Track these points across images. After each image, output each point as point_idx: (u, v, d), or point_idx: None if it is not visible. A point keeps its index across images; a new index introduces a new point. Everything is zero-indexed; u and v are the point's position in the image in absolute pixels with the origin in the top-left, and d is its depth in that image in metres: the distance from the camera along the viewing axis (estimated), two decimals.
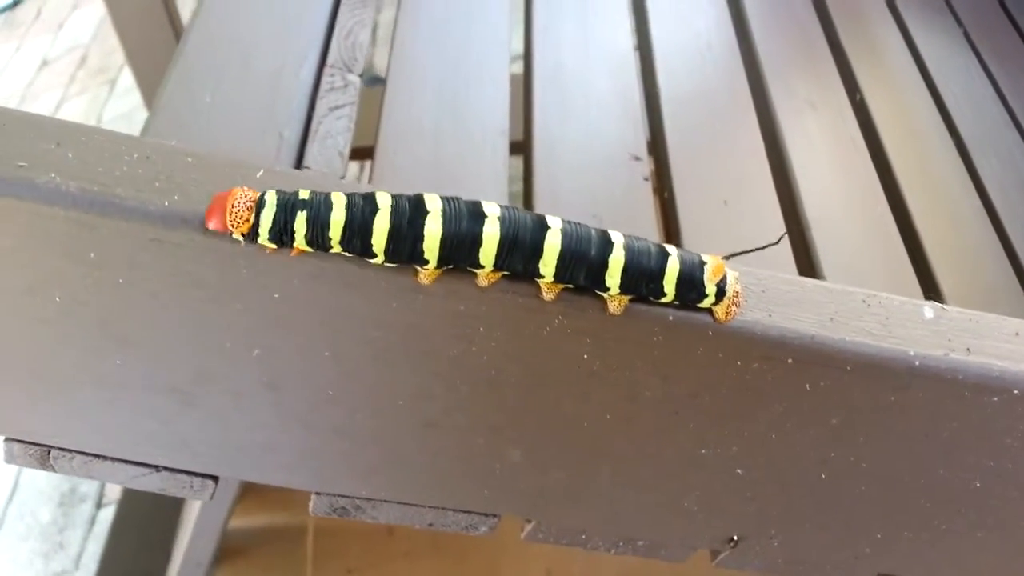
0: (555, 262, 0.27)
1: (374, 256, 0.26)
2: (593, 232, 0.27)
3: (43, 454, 0.35)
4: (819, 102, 0.62)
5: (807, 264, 0.51)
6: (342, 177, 0.46)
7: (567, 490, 0.36)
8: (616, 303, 0.28)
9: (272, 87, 0.49)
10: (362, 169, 1.35)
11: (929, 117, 0.66)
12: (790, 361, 0.29)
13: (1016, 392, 0.30)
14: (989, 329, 0.31)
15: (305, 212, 0.25)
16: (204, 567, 0.61)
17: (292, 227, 0.25)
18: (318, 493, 0.37)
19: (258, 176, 0.27)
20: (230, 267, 0.26)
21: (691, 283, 0.28)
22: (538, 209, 0.49)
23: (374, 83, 0.51)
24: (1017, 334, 0.31)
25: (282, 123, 0.47)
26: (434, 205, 0.26)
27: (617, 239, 0.28)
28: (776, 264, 0.49)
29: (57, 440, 0.34)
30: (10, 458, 0.36)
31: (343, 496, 0.37)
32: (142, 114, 1.63)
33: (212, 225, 0.25)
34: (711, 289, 0.28)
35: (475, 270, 0.27)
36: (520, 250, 0.26)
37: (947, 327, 0.30)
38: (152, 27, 0.96)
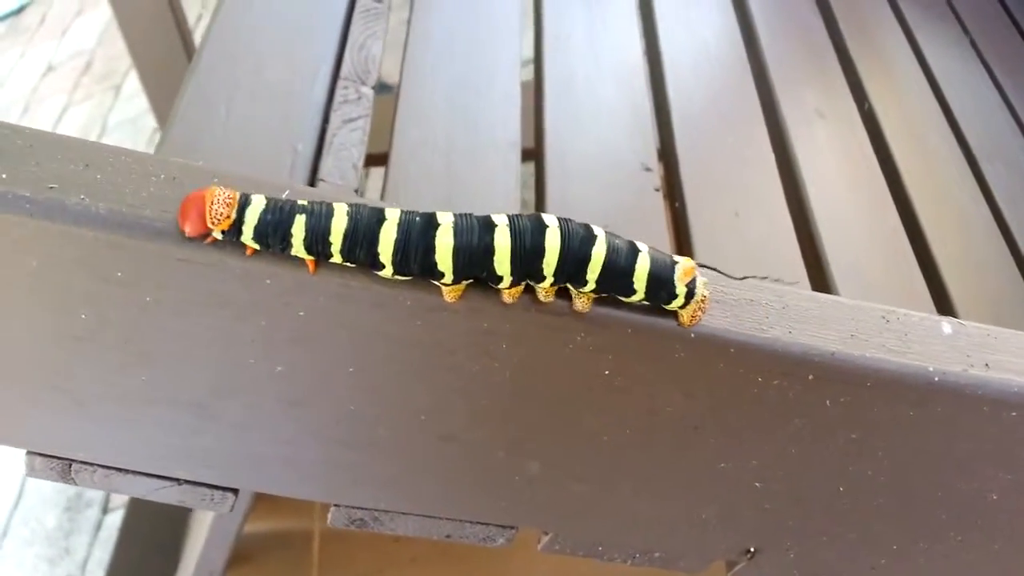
0: (556, 262, 0.26)
1: (381, 267, 0.26)
2: (580, 227, 0.27)
3: (64, 467, 0.35)
4: (828, 111, 0.63)
5: (818, 273, 0.51)
6: (356, 189, 0.46)
7: (585, 503, 0.36)
8: (584, 300, 0.28)
9: (285, 100, 0.49)
10: (367, 175, 1.36)
11: (937, 125, 0.67)
12: (811, 377, 0.29)
13: None
14: (1007, 344, 0.31)
15: (304, 217, 0.25)
16: (217, 575, 0.62)
17: (289, 231, 0.25)
18: (337, 505, 0.37)
19: (284, 196, 0.27)
20: (257, 286, 0.27)
21: (660, 282, 0.27)
22: None
23: (382, 90, 0.52)
24: None
25: (296, 136, 0.48)
26: (445, 219, 0.26)
27: (599, 233, 0.27)
28: (788, 274, 0.49)
29: (79, 453, 0.34)
30: (31, 471, 0.36)
31: (361, 508, 0.37)
32: (147, 120, 1.64)
33: (189, 230, 0.25)
34: (681, 290, 0.27)
35: (496, 286, 0.27)
36: (527, 256, 0.26)
37: (965, 343, 0.31)
38: (159, 32, 0.97)
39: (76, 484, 0.36)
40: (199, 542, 0.65)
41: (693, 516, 0.36)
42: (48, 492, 1.29)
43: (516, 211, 0.49)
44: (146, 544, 1.06)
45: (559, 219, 0.27)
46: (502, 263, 0.26)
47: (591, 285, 0.27)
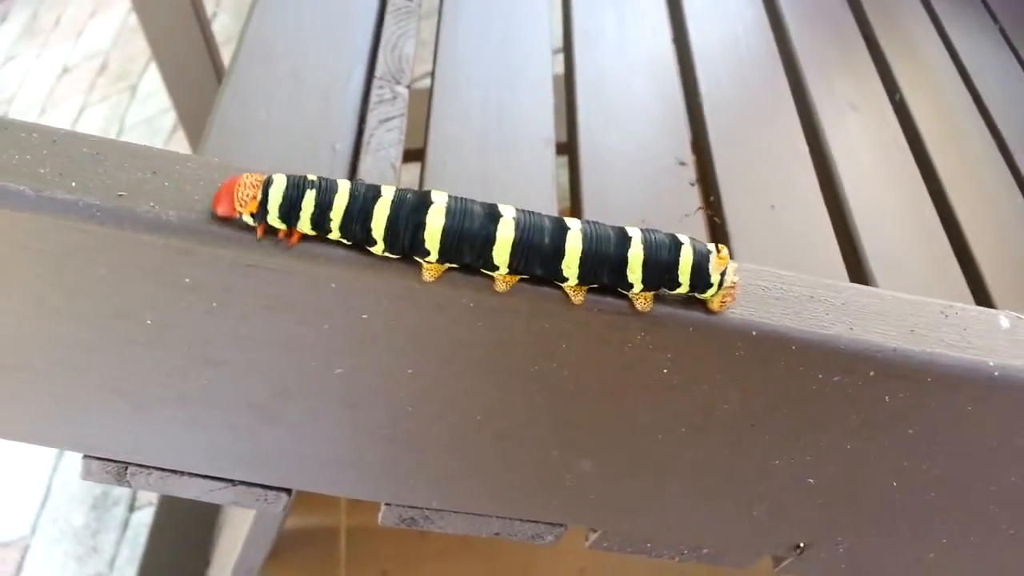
0: (577, 264, 0.26)
1: (374, 243, 0.26)
2: (611, 230, 0.27)
3: (120, 470, 0.36)
4: (860, 103, 0.62)
5: (856, 266, 0.51)
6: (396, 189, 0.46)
7: (636, 500, 0.36)
8: (643, 300, 0.28)
9: (322, 101, 0.49)
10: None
11: (969, 116, 0.66)
12: (871, 373, 0.29)
13: None
14: None
15: (313, 192, 0.26)
16: (255, 573, 0.62)
17: (299, 205, 0.25)
18: (388, 504, 0.38)
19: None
20: (323, 290, 0.27)
21: (701, 272, 0.27)
22: (587, 215, 0.50)
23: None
24: None
25: (334, 136, 0.48)
26: (440, 199, 0.26)
27: (634, 234, 0.27)
28: (826, 266, 0.49)
29: (135, 457, 0.35)
30: (87, 474, 0.36)
31: (413, 507, 0.38)
32: (164, 119, 1.64)
33: (220, 211, 0.25)
34: (716, 278, 0.27)
35: (490, 272, 0.27)
36: (539, 253, 0.26)
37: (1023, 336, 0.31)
38: (180, 29, 0.97)
39: (130, 486, 0.37)
40: (236, 540, 0.65)
41: (744, 512, 0.36)
42: (75, 490, 1.30)
43: (553, 208, 0.49)
44: (177, 541, 1.07)
45: (581, 221, 0.27)
46: (501, 253, 0.26)
47: (637, 287, 0.27)
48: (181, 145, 1.58)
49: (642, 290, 0.27)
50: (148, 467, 0.35)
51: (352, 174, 0.47)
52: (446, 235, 0.26)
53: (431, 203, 0.26)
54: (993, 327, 0.31)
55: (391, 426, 0.33)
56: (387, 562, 1.03)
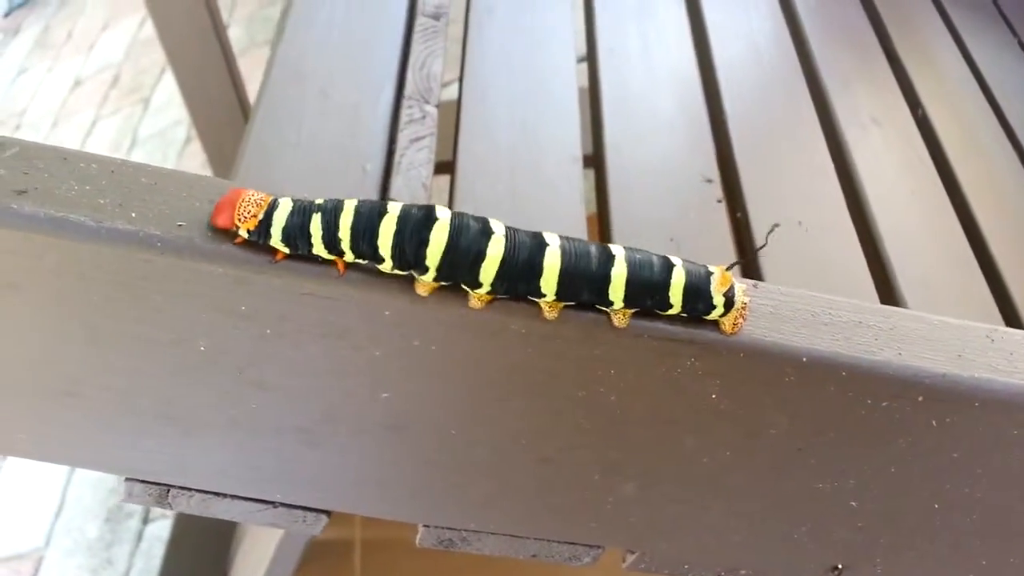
0: (555, 281, 0.26)
1: (382, 261, 0.26)
2: (593, 247, 0.27)
3: (162, 493, 0.36)
4: (882, 118, 0.62)
5: (884, 282, 0.51)
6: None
7: (676, 522, 0.36)
8: (620, 317, 0.28)
9: (352, 121, 0.50)
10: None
11: (990, 129, 0.66)
12: (920, 399, 0.29)
13: None
14: None
15: (320, 215, 0.25)
16: None
17: (309, 230, 0.25)
18: (426, 526, 0.38)
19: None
20: (377, 317, 0.27)
21: (697, 294, 0.27)
22: (615, 233, 0.50)
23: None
24: None
25: (364, 156, 0.48)
26: (443, 215, 0.26)
27: (618, 252, 0.27)
28: (854, 283, 0.49)
29: (178, 479, 0.35)
30: (129, 497, 0.36)
31: (451, 529, 0.38)
32: (176, 132, 1.65)
33: (219, 222, 0.25)
34: (719, 300, 0.27)
35: (471, 290, 0.27)
36: (519, 270, 0.26)
37: None
38: (197, 39, 0.97)
39: (171, 508, 0.37)
40: (259, 557, 0.65)
41: (785, 534, 0.36)
42: (89, 502, 1.31)
43: (582, 226, 0.49)
44: (194, 556, 1.07)
45: (560, 237, 0.27)
46: (487, 274, 0.26)
47: (618, 303, 0.27)
48: (195, 157, 1.59)
49: (623, 307, 0.27)
50: (191, 490, 0.35)
51: (383, 194, 0.47)
52: (446, 253, 0.26)
53: (435, 219, 0.26)
54: None
55: (434, 449, 0.33)
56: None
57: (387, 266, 0.26)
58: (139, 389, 0.30)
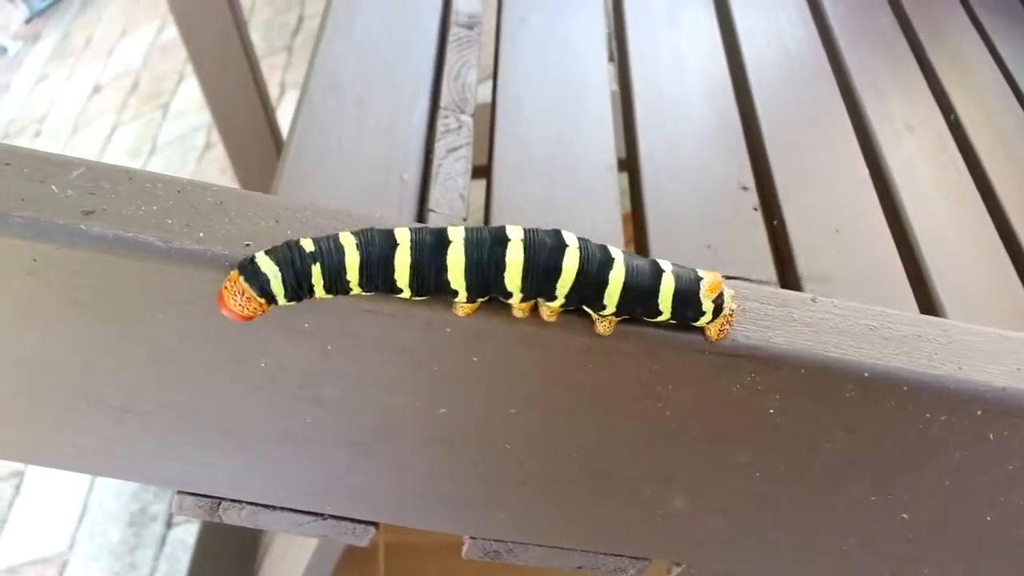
0: (571, 283, 0.26)
1: (400, 292, 0.25)
2: (597, 248, 0.26)
3: (213, 505, 0.36)
4: (916, 124, 0.62)
5: (922, 289, 0.51)
6: (464, 218, 0.47)
7: (725, 535, 0.36)
8: (606, 324, 0.27)
9: (388, 130, 0.50)
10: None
11: (1023, 134, 0.66)
12: (979, 412, 0.29)
13: None
14: None
15: (318, 264, 0.24)
16: None
17: (310, 282, 0.24)
18: (474, 537, 0.38)
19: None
20: (437, 334, 0.27)
21: (687, 300, 0.26)
22: (653, 243, 0.50)
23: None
24: None
25: (402, 166, 0.48)
26: (456, 236, 0.25)
27: (617, 255, 0.26)
28: (893, 290, 0.49)
29: (230, 492, 0.35)
30: (179, 510, 0.37)
31: (498, 541, 0.38)
32: (196, 138, 1.66)
33: (225, 313, 0.24)
34: (708, 306, 0.26)
35: (508, 301, 0.26)
36: (542, 273, 0.25)
37: None
38: (220, 41, 0.98)
39: (221, 520, 0.37)
40: (292, 564, 0.66)
41: (834, 547, 0.36)
42: (112, 507, 1.32)
43: (619, 233, 0.49)
44: (220, 561, 1.07)
45: (579, 239, 0.26)
46: (513, 279, 0.25)
47: (611, 308, 0.26)
48: (214, 163, 1.60)
49: (613, 313, 0.26)
50: (242, 502, 0.36)
51: (422, 204, 0.47)
52: (468, 270, 0.25)
53: (449, 241, 0.25)
54: None
55: (487, 463, 0.33)
56: None
57: (406, 295, 0.26)
58: (198, 405, 0.30)
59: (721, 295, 0.27)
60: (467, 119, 0.51)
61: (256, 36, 1.80)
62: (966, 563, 0.38)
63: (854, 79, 0.63)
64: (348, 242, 0.25)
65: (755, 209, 0.53)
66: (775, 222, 0.53)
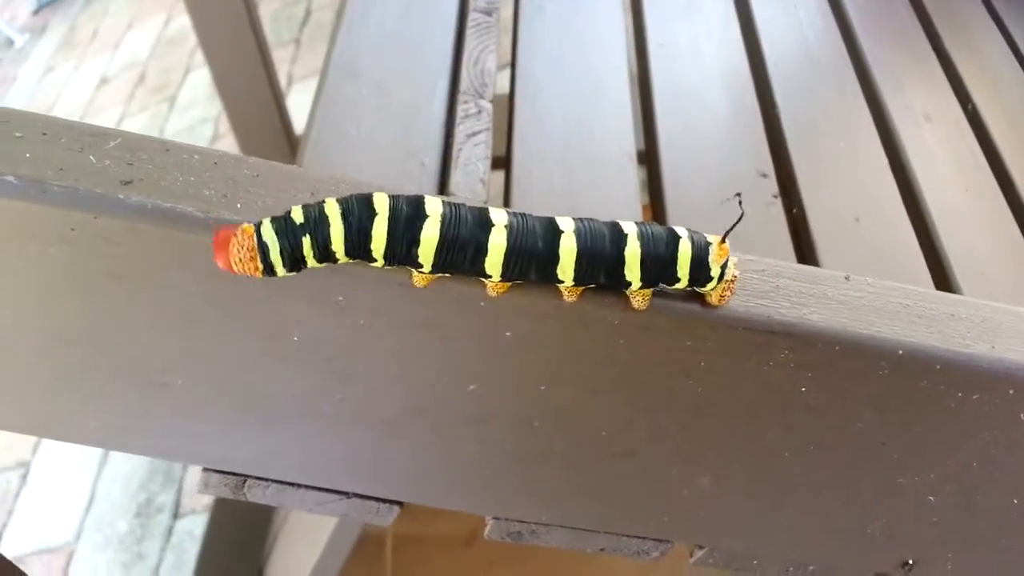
0: (573, 267, 0.25)
1: (374, 261, 0.25)
2: (605, 227, 0.26)
3: (239, 483, 0.36)
4: (934, 114, 0.62)
5: (942, 276, 0.51)
6: (485, 202, 0.47)
7: (749, 518, 0.36)
8: (640, 298, 0.27)
9: (408, 116, 0.50)
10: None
11: None
12: (1011, 392, 0.29)
13: None
14: None
15: (308, 236, 0.24)
16: None
17: (301, 252, 0.24)
18: (496, 518, 0.38)
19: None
20: (471, 309, 0.27)
21: (700, 265, 0.26)
22: None
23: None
24: None
25: (421, 151, 0.48)
26: (434, 209, 0.25)
27: (630, 229, 0.26)
28: (913, 278, 0.49)
29: (255, 470, 0.35)
30: (205, 487, 0.37)
31: (520, 521, 0.38)
32: (203, 129, 1.66)
33: (221, 264, 0.24)
34: (716, 271, 0.26)
35: (484, 279, 0.26)
36: (533, 258, 0.25)
37: None
38: (232, 30, 0.98)
39: (246, 498, 0.37)
40: (304, 554, 0.66)
41: (859, 529, 0.36)
42: (119, 497, 1.32)
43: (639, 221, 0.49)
44: (229, 551, 1.07)
45: (574, 220, 0.26)
46: (494, 265, 0.25)
47: (636, 284, 0.26)
48: None
49: (640, 287, 0.26)
50: (267, 480, 0.36)
51: (442, 189, 0.47)
52: (440, 248, 0.25)
53: (426, 215, 0.25)
54: None
55: (514, 441, 0.33)
56: (434, 572, 1.03)
57: (378, 264, 0.25)
58: (227, 379, 0.30)
59: (726, 261, 0.27)
60: (486, 104, 0.51)
61: (263, 28, 1.79)
62: (991, 547, 0.38)
63: (872, 69, 0.63)
64: (333, 212, 0.24)
65: (775, 196, 0.53)
66: (794, 210, 0.53)
